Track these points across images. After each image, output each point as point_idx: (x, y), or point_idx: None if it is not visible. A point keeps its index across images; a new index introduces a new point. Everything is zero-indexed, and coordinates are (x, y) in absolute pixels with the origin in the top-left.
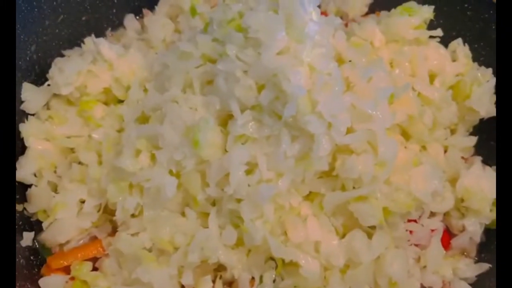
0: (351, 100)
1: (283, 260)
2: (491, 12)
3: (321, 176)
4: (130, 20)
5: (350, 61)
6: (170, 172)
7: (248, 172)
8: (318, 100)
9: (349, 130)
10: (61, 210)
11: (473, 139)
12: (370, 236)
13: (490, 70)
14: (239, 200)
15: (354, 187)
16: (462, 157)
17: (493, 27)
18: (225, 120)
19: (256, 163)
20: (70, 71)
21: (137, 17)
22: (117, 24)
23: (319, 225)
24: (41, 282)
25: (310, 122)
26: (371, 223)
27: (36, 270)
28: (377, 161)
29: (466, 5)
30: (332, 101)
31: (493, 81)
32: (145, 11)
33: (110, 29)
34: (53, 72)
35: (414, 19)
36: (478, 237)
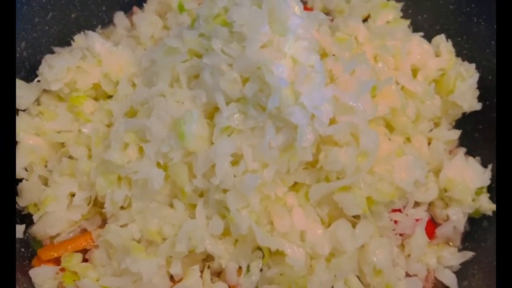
0: (334, 92)
1: (269, 250)
2: (473, 6)
3: (306, 167)
4: (119, 17)
5: (334, 55)
6: (158, 164)
7: (234, 163)
8: (300, 91)
9: (332, 122)
10: (51, 203)
11: (457, 132)
12: (354, 225)
13: (473, 65)
14: (225, 191)
15: (338, 178)
16: (447, 149)
17: (475, 20)
18: (212, 113)
19: (241, 154)
20: (59, 67)
21: (127, 14)
22: (107, 22)
23: (304, 215)
24: (31, 272)
25: (293, 113)
26: (355, 212)
27: (27, 261)
28: (359, 152)
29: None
30: (314, 92)
31: (476, 76)
32: (134, 8)
33: (100, 26)
34: (43, 69)
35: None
36: (461, 226)
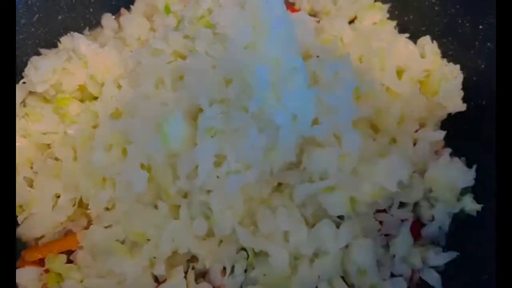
0: (317, 94)
1: (254, 250)
2: (458, 7)
3: (290, 168)
4: (107, 19)
5: (317, 56)
6: (142, 166)
7: (217, 164)
8: (282, 92)
9: (315, 123)
10: (36, 205)
11: (442, 133)
12: (339, 226)
13: (458, 66)
14: (208, 192)
15: (321, 179)
16: (432, 150)
17: (460, 21)
18: (196, 114)
19: (224, 155)
20: (45, 69)
21: (115, 16)
22: (95, 24)
23: (288, 216)
24: (16, 273)
25: (275, 114)
26: (339, 213)
27: None
28: (342, 153)
29: (434, 1)
30: (296, 93)
31: (460, 77)
32: (122, 10)
33: (87, 28)
34: (28, 70)
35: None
36: (446, 226)
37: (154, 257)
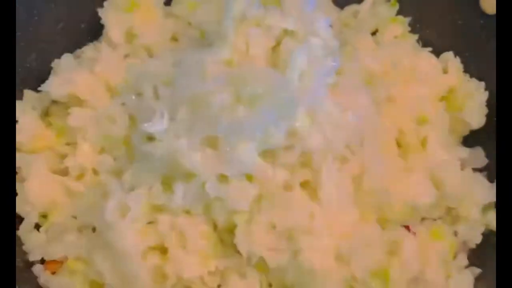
0: None
1: None
2: (482, 22)
3: None
4: None
5: None
6: None
7: None
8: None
9: None
10: None
11: (466, 150)
12: None
13: (482, 84)
14: None
15: None
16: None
17: (483, 37)
18: None
19: None
20: (67, 78)
21: None
22: None
23: None
24: None
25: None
26: None
27: None
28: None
29: (457, 15)
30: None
31: (485, 94)
32: None
33: None
34: (51, 79)
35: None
36: (470, 242)
37: None
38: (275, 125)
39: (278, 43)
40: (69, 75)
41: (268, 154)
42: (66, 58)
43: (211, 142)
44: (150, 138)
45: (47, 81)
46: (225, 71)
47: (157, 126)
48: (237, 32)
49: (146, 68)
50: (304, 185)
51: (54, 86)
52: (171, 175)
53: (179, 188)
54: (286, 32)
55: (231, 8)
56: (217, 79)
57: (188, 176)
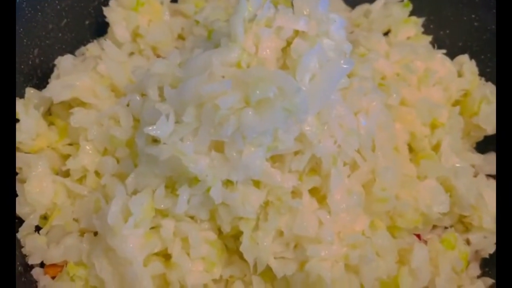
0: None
1: None
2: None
3: None
4: None
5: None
6: None
7: None
8: None
9: None
10: None
11: (479, 156)
12: None
13: None
14: None
15: None
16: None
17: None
18: None
19: None
20: (70, 77)
21: None
22: None
23: None
24: None
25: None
26: None
27: None
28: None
29: (473, 16)
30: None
31: None
32: None
33: None
34: (54, 77)
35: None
36: (483, 251)
37: None
38: (284, 130)
39: (288, 44)
40: (70, 79)
41: (276, 159)
42: (67, 59)
43: (217, 146)
44: (155, 140)
45: (48, 86)
46: (234, 72)
47: (162, 128)
48: (247, 33)
49: (151, 68)
50: (312, 191)
51: (56, 91)
52: (175, 179)
53: (184, 193)
54: (297, 33)
55: (242, 8)
56: (225, 81)
57: (193, 180)
